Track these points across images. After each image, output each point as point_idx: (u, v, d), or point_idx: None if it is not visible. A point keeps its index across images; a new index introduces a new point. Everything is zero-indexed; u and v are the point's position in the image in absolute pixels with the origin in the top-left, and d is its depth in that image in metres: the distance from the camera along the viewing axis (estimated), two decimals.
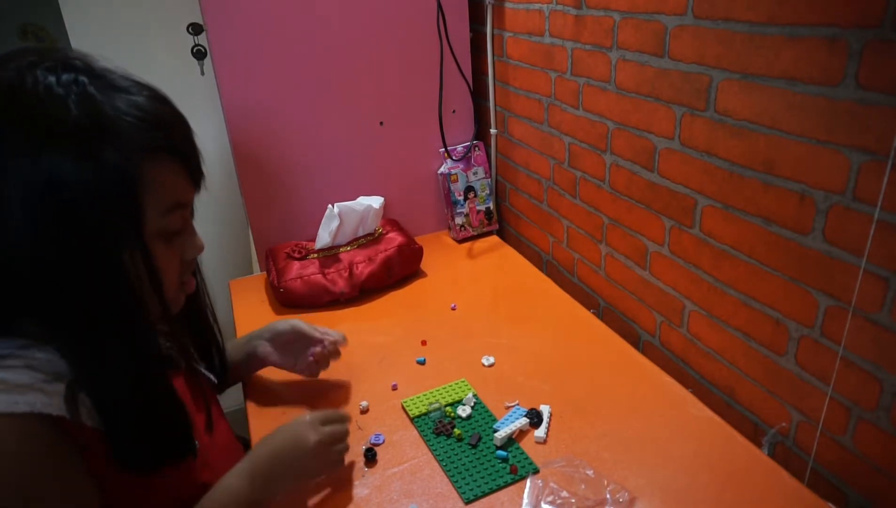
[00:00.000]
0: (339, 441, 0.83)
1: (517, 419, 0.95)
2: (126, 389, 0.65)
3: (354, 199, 1.45)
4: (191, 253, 0.73)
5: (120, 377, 0.64)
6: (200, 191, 0.73)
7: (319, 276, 1.32)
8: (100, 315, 0.63)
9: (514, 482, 0.86)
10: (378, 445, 0.94)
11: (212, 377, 0.89)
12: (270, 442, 0.79)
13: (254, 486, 0.75)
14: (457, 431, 0.94)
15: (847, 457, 0.82)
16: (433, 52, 1.48)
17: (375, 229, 1.45)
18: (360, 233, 1.43)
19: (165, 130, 0.66)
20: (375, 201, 1.42)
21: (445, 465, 0.89)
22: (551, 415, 0.97)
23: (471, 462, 0.89)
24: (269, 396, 1.06)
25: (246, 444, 0.99)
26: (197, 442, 0.74)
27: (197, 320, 0.86)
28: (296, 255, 1.37)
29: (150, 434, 0.67)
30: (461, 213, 1.60)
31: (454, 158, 1.58)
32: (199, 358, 0.89)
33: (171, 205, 0.67)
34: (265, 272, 1.46)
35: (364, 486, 0.86)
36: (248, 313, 1.33)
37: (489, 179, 1.63)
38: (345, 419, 0.86)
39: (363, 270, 1.34)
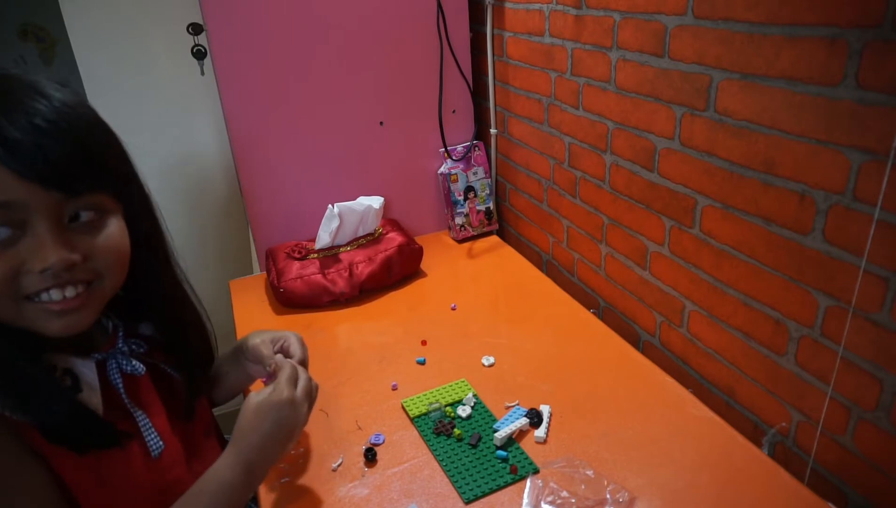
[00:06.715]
0: (308, 393, 0.80)
1: (517, 419, 0.95)
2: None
3: (354, 199, 1.45)
4: (32, 265, 0.61)
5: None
6: (62, 191, 0.61)
7: (319, 276, 1.32)
8: None
9: (514, 482, 0.86)
10: (378, 445, 0.94)
11: (176, 375, 0.84)
12: (255, 427, 0.75)
13: (247, 474, 0.74)
14: (457, 431, 0.94)
15: (847, 457, 0.82)
16: (433, 52, 1.48)
17: (375, 229, 1.45)
18: (360, 233, 1.43)
19: None
20: (375, 201, 1.42)
21: (445, 465, 0.89)
22: (551, 415, 0.97)
23: (471, 462, 0.89)
24: None
25: None
26: (163, 443, 0.75)
27: (178, 329, 0.84)
28: (296, 255, 1.37)
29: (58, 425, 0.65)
30: (461, 213, 1.60)
31: (454, 158, 1.58)
32: (180, 364, 0.85)
33: None
34: (265, 272, 1.46)
35: (364, 486, 0.86)
36: (248, 314, 1.34)
37: (489, 179, 1.63)
38: (298, 366, 0.83)
39: (363, 270, 1.34)
